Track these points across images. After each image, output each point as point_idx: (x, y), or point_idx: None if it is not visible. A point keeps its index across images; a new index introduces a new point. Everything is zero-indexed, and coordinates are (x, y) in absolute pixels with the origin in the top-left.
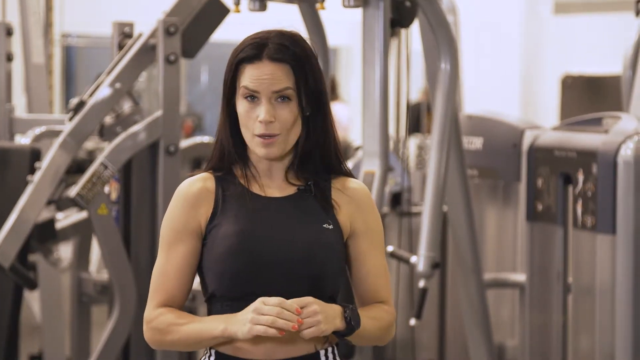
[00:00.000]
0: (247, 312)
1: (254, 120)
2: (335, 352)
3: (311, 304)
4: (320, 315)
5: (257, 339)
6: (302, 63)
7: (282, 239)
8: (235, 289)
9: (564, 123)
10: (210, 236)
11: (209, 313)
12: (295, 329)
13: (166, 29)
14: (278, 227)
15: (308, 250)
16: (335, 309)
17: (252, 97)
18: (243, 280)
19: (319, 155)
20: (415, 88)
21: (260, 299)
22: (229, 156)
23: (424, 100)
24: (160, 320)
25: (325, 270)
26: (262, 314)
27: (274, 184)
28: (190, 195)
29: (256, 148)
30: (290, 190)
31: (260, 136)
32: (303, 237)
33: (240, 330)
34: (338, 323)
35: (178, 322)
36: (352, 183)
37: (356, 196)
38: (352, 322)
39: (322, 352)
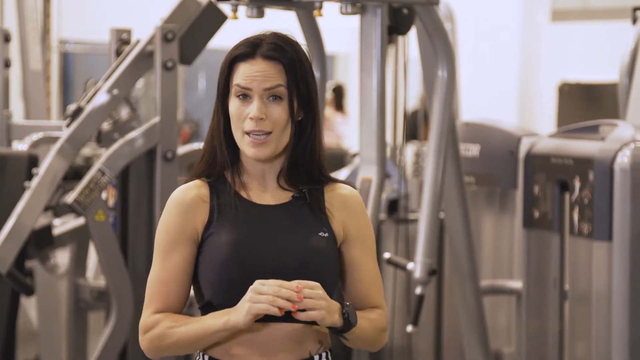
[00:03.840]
0: (246, 296)
1: (244, 117)
2: (329, 357)
3: (319, 287)
4: (324, 301)
5: (252, 343)
6: (294, 64)
7: (277, 248)
8: (231, 298)
9: (561, 130)
10: (206, 245)
11: None
12: (295, 307)
13: (164, 36)
14: (273, 236)
15: (303, 258)
16: (334, 304)
17: (244, 95)
18: (239, 289)
19: (307, 161)
20: (412, 95)
21: (258, 281)
22: (221, 160)
23: (422, 108)
24: (158, 326)
25: (320, 278)
26: (261, 293)
27: (267, 191)
28: (185, 203)
29: (245, 147)
30: (285, 198)
31: (250, 134)
32: (298, 246)
33: (240, 316)
34: (336, 318)
35: (175, 324)
36: (344, 189)
37: (348, 202)
38: (349, 319)
39: (316, 357)
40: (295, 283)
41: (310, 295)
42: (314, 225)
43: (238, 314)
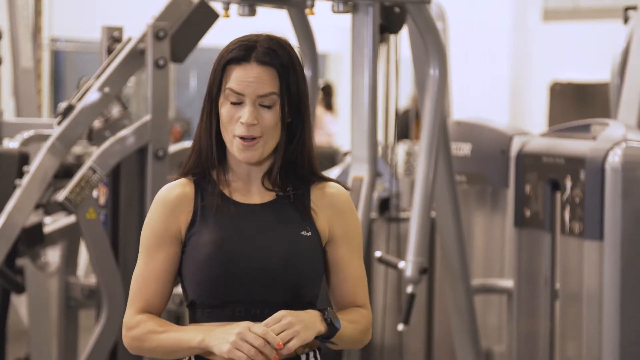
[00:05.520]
0: (231, 333)
1: (235, 121)
2: (317, 356)
3: (284, 316)
4: (297, 325)
5: None
6: (287, 69)
7: (260, 247)
8: (215, 297)
9: (552, 129)
10: (190, 243)
11: (190, 319)
12: None
13: (155, 34)
14: (256, 235)
15: (286, 257)
16: (312, 314)
17: (237, 99)
18: (222, 288)
19: (297, 162)
20: (403, 95)
21: (246, 324)
22: (207, 159)
23: (413, 107)
24: (140, 327)
25: (303, 277)
26: (245, 340)
27: (252, 190)
28: (170, 201)
29: (235, 150)
30: (269, 197)
31: (240, 138)
32: (281, 245)
33: (218, 347)
34: (319, 326)
35: (157, 329)
36: (331, 188)
37: (335, 201)
38: (333, 323)
39: (303, 357)
40: (277, 338)
41: (281, 327)
42: (297, 224)
43: (216, 343)
